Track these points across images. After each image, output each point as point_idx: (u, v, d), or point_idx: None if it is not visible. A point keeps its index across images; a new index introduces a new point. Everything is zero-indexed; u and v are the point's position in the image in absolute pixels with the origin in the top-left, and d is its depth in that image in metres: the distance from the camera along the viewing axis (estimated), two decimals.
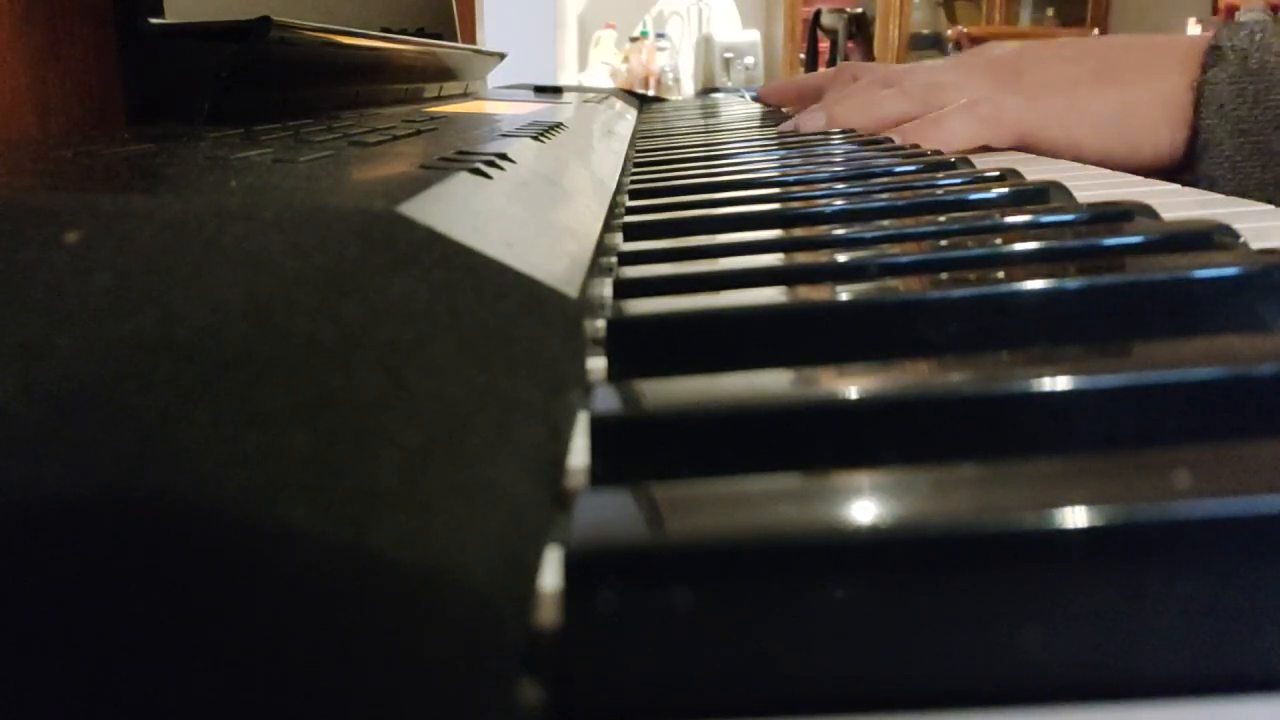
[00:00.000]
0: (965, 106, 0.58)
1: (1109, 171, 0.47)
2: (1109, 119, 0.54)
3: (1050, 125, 0.56)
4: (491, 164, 0.27)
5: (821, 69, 2.68)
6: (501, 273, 0.18)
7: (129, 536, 0.10)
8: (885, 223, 0.30)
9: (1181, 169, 0.53)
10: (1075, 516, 0.11)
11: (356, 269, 0.16)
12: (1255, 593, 0.11)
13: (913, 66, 0.68)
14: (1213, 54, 0.50)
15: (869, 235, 0.29)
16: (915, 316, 0.20)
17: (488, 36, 1.37)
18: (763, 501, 0.13)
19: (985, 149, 0.58)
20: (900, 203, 0.35)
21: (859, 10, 2.98)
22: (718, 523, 0.12)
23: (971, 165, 0.43)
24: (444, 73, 0.79)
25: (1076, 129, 0.55)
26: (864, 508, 0.12)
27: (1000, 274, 0.21)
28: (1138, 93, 0.54)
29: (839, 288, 0.21)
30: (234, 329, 0.13)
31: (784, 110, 0.98)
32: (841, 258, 0.25)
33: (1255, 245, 0.23)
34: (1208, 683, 0.11)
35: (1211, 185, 0.49)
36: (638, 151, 0.64)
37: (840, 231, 0.30)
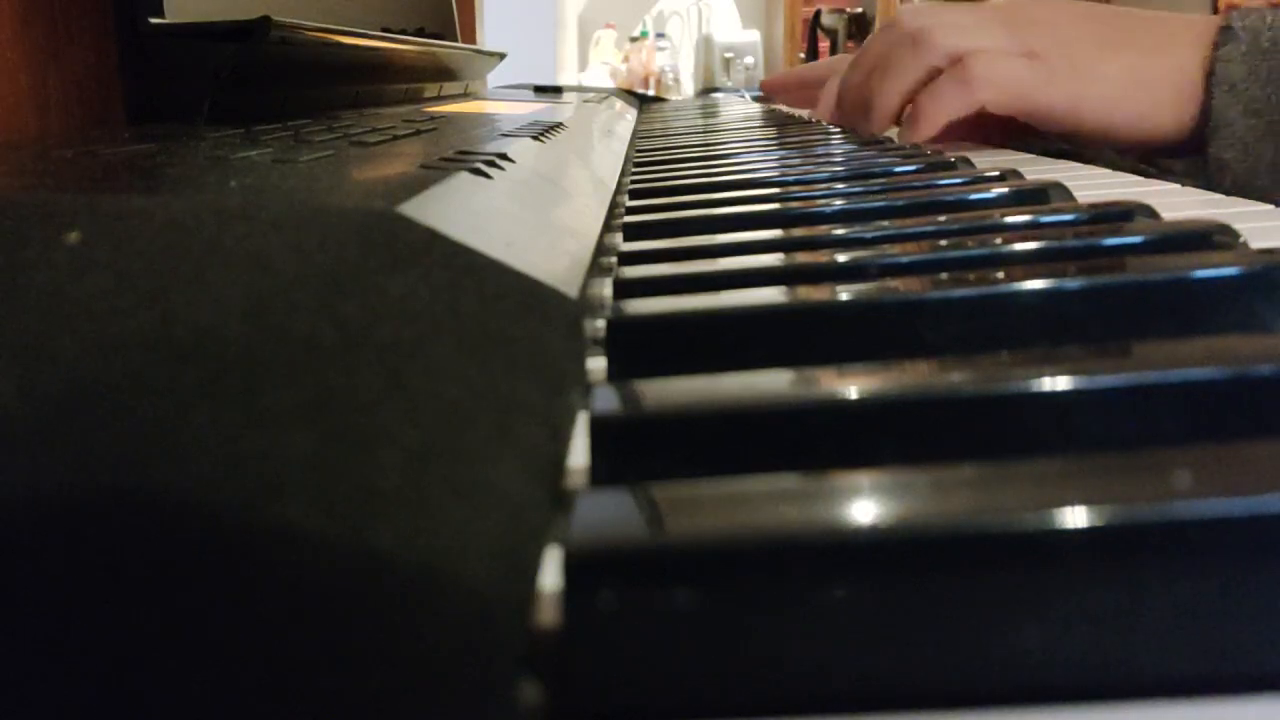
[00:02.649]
0: (953, 73, 0.54)
1: (1109, 171, 0.46)
2: (1116, 89, 0.51)
3: (1051, 89, 0.52)
4: (491, 164, 0.27)
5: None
6: (501, 273, 0.18)
7: (129, 537, 0.10)
8: (885, 223, 0.30)
9: (1184, 150, 0.51)
10: (1075, 516, 0.11)
11: (356, 269, 0.16)
12: (1255, 593, 0.11)
13: (935, 23, 0.58)
14: (1224, 33, 0.48)
15: (869, 235, 0.29)
16: (915, 316, 0.20)
17: (488, 36, 1.38)
18: (762, 501, 0.13)
19: (984, 148, 0.58)
20: (900, 203, 0.35)
21: (859, 10, 2.98)
22: (717, 523, 0.12)
23: (971, 165, 0.43)
24: (444, 73, 0.79)
25: (1080, 95, 0.52)
26: (864, 508, 0.12)
27: (1000, 274, 0.21)
28: (1148, 65, 0.51)
29: (839, 288, 0.21)
30: (234, 329, 0.13)
31: (784, 103, 0.99)
32: (841, 258, 0.25)
33: (1255, 245, 0.23)
34: (1208, 683, 0.11)
35: (1221, 167, 0.48)
36: (638, 151, 0.64)
37: (840, 231, 0.30)
